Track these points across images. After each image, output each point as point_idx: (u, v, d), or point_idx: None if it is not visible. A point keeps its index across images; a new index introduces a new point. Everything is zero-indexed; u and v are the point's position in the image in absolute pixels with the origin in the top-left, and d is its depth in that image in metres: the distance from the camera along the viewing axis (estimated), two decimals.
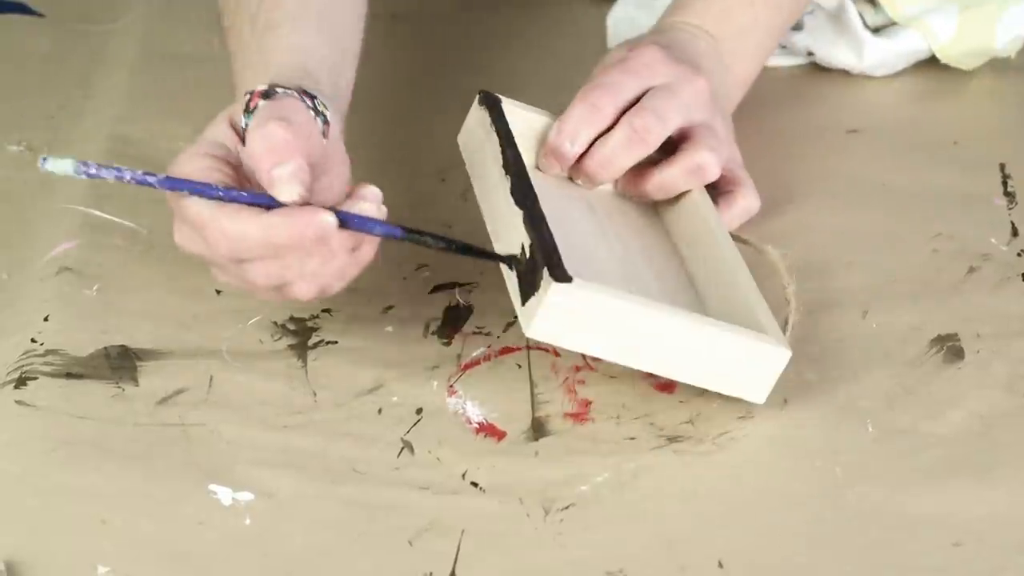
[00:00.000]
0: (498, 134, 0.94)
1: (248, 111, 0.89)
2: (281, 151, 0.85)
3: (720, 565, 0.82)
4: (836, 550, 0.83)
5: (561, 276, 0.85)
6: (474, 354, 0.96)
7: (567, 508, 0.85)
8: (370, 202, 0.88)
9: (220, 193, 0.85)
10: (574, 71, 1.13)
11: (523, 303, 0.86)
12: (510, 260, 0.89)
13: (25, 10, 1.34)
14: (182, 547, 0.82)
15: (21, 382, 0.91)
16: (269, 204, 0.85)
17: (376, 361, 0.94)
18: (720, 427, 0.91)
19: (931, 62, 1.24)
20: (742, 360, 0.89)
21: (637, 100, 0.98)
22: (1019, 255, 1.05)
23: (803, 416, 0.91)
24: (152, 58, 1.23)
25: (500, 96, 0.98)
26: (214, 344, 0.95)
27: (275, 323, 0.97)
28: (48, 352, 0.94)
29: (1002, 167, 1.14)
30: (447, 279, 1.01)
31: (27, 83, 1.25)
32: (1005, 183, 1.13)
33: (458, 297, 1.00)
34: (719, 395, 0.92)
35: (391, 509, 0.85)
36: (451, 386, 0.93)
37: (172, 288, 0.99)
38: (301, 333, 0.96)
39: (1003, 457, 0.89)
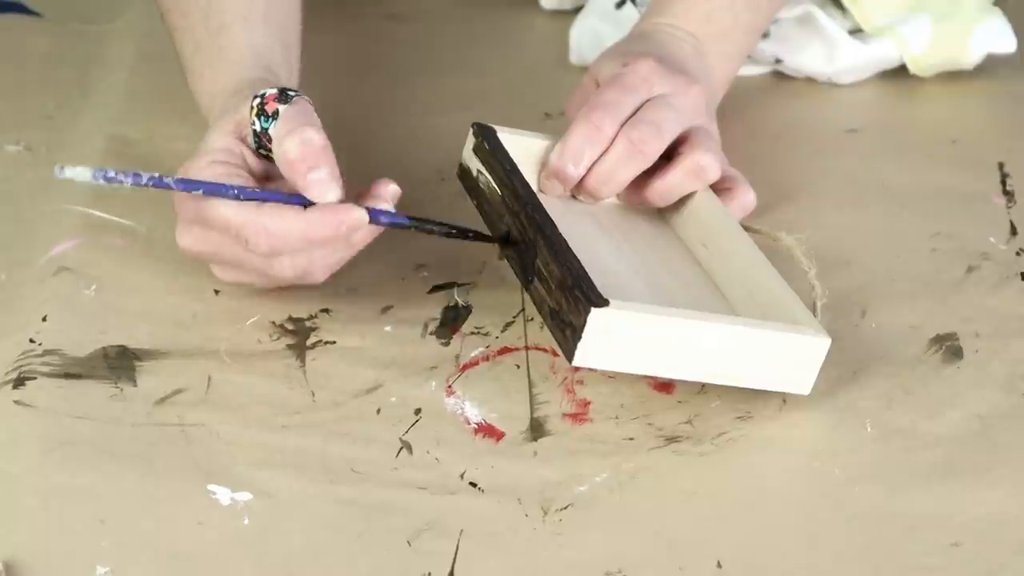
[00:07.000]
0: (502, 166, 0.94)
1: (264, 114, 0.93)
2: (317, 155, 0.91)
3: (719, 565, 0.82)
4: (835, 550, 0.83)
5: (598, 301, 0.85)
6: (473, 354, 0.96)
7: (566, 508, 0.85)
8: (389, 202, 0.93)
9: (235, 192, 0.90)
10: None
11: (562, 333, 0.86)
12: (506, 237, 0.92)
13: (23, 10, 1.34)
14: (181, 547, 0.82)
15: (19, 382, 0.91)
16: (300, 203, 0.91)
17: (375, 361, 0.94)
18: (719, 427, 0.90)
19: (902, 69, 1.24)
20: (785, 355, 0.89)
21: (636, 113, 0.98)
22: (1018, 254, 1.05)
23: (802, 416, 0.91)
24: (150, 58, 1.23)
25: (494, 126, 0.98)
26: (212, 344, 0.95)
27: (273, 323, 0.97)
28: (46, 352, 0.94)
29: (1000, 166, 1.15)
30: (446, 279, 1.01)
31: (25, 83, 1.25)
32: (1004, 182, 1.13)
33: (456, 297, 1.00)
34: (718, 395, 0.92)
35: (390, 509, 0.85)
36: (449, 386, 0.93)
37: (171, 288, 0.99)
38: (299, 333, 0.96)
39: (1002, 457, 0.89)
